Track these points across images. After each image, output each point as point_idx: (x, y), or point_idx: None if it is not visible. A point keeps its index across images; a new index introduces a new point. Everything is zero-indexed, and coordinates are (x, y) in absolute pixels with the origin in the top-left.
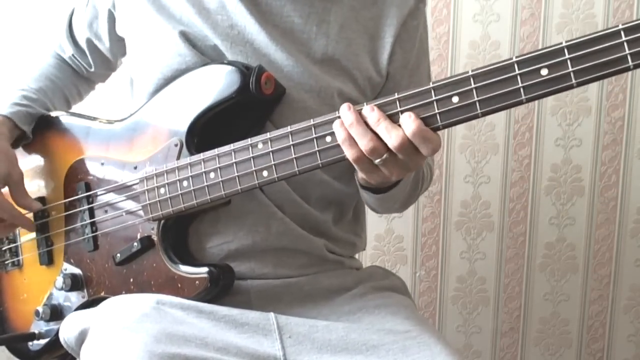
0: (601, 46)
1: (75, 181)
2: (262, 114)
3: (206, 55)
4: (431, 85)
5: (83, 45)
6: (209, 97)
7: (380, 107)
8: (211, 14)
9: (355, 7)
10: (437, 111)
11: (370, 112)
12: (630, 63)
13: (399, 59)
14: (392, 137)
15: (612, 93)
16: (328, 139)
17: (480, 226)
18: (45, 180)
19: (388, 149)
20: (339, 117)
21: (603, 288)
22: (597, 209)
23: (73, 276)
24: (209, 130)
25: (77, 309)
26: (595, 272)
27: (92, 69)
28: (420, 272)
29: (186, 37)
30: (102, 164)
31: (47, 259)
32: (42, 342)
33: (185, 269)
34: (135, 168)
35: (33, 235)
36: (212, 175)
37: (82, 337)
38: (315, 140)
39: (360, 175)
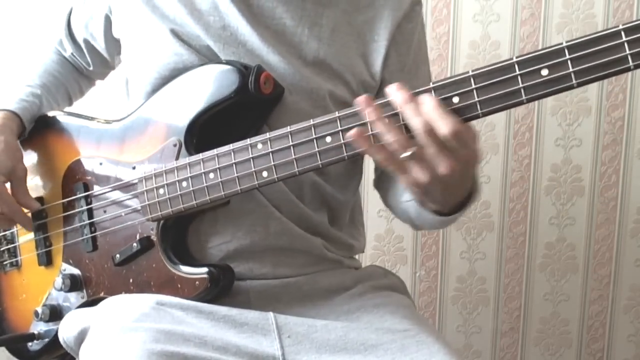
0: (602, 46)
1: (73, 181)
2: (261, 114)
3: (201, 54)
4: (431, 85)
5: (81, 44)
6: (208, 97)
7: (381, 106)
8: (203, 15)
9: (348, 10)
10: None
11: (397, 89)
12: (631, 63)
13: (394, 63)
14: (423, 114)
15: (612, 93)
16: (328, 139)
17: (480, 226)
18: (43, 181)
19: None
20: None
21: (603, 288)
22: (597, 209)
23: (72, 277)
24: (207, 130)
25: (76, 310)
26: (595, 272)
27: (91, 68)
28: (420, 272)
29: (178, 35)
30: (101, 164)
31: (46, 260)
32: (42, 342)
33: (185, 270)
34: (134, 168)
35: (31, 235)
36: (211, 175)
37: (81, 337)
38: (315, 140)
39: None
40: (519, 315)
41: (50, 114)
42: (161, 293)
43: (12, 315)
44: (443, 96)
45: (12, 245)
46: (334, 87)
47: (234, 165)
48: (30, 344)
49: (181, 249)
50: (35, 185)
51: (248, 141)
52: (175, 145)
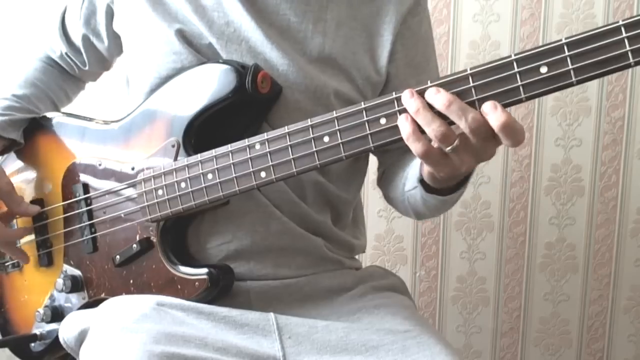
0: (601, 43)
1: (73, 182)
2: (259, 113)
3: (201, 53)
4: (429, 84)
5: (78, 43)
6: (206, 97)
7: (379, 106)
8: (207, 11)
9: (353, 4)
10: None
11: (436, 94)
12: (631, 60)
13: (401, 57)
14: (468, 119)
15: (612, 93)
16: (326, 139)
17: (480, 226)
18: (43, 182)
19: (458, 134)
20: (337, 117)
21: (603, 288)
22: (597, 209)
23: (73, 278)
24: (205, 130)
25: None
26: (595, 272)
27: (86, 67)
28: (420, 272)
29: (182, 35)
30: (100, 165)
31: (47, 261)
32: (44, 343)
33: (185, 270)
34: (133, 169)
35: (32, 237)
36: (210, 176)
37: (81, 337)
38: (312, 140)
39: (427, 170)
40: (519, 315)
41: (49, 115)
42: (161, 294)
43: (14, 316)
44: None
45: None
46: (339, 85)
47: (232, 165)
48: (32, 344)
49: (181, 249)
50: (34, 187)
51: (246, 142)
52: (173, 146)
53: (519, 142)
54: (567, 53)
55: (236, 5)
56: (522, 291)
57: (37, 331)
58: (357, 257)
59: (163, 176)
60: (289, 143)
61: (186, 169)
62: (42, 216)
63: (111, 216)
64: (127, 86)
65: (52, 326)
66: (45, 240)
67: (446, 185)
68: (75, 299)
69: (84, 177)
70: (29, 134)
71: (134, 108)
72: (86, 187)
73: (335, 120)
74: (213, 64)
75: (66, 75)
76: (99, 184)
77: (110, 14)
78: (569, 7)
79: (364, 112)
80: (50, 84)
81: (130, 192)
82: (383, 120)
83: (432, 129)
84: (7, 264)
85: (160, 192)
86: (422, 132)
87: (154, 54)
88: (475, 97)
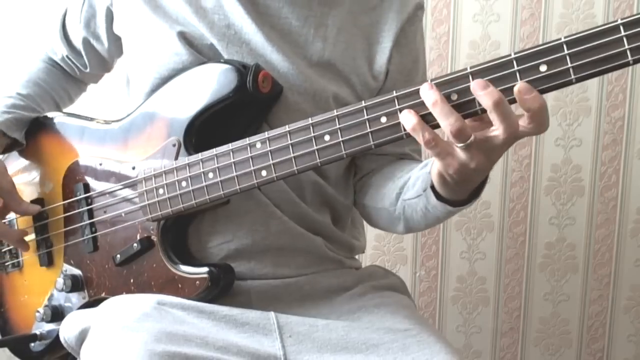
0: (600, 41)
1: (73, 182)
2: (259, 113)
3: (203, 54)
4: (430, 82)
5: (79, 45)
6: (207, 97)
7: (379, 104)
8: (208, 14)
9: (354, 12)
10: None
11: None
12: (630, 58)
13: (395, 63)
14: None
15: (612, 93)
16: (326, 137)
17: (480, 226)
18: (43, 182)
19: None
20: (338, 115)
21: (603, 288)
22: (597, 209)
23: (73, 277)
24: (206, 129)
25: (77, 310)
26: (595, 272)
27: (87, 70)
28: (420, 272)
29: (183, 36)
30: (100, 164)
31: (47, 260)
32: (44, 342)
33: (186, 269)
34: (134, 168)
35: (33, 236)
36: (210, 175)
37: (82, 337)
38: (313, 139)
39: (437, 175)
40: (519, 315)
41: (50, 115)
42: (162, 293)
43: (14, 315)
44: (442, 92)
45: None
46: (338, 89)
47: (232, 164)
48: (32, 344)
49: (182, 248)
50: (35, 186)
51: (247, 140)
52: (174, 145)
53: (543, 131)
54: (566, 51)
55: (237, 7)
56: (522, 291)
57: (37, 331)
58: (357, 257)
59: (164, 175)
60: (289, 142)
61: (187, 167)
62: (42, 215)
63: (112, 215)
64: (127, 86)
65: (52, 326)
66: (45, 239)
67: (456, 196)
68: (75, 298)
69: (84, 177)
70: (30, 133)
71: (135, 108)
72: (87, 187)
73: (336, 119)
74: (214, 64)
75: (68, 77)
76: (99, 183)
77: (110, 17)
78: (569, 7)
79: (364, 110)
80: (53, 85)
81: (131, 191)
82: (383, 119)
83: (449, 122)
84: (7, 263)
85: (161, 191)
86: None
87: (155, 54)
88: (475, 96)
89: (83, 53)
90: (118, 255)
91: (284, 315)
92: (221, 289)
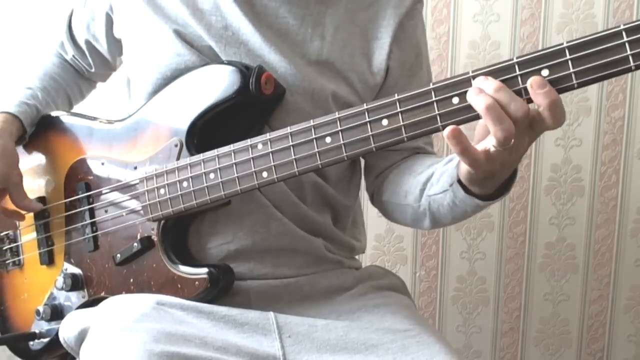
0: (602, 47)
1: (75, 181)
2: (261, 114)
3: (203, 54)
4: (431, 86)
5: (82, 46)
6: (209, 98)
7: (381, 107)
8: (205, 15)
9: (351, 9)
10: (437, 112)
11: (485, 80)
12: (632, 64)
13: (396, 58)
14: (516, 106)
15: (612, 93)
16: (328, 139)
17: (480, 226)
18: (45, 180)
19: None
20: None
21: (603, 288)
22: (597, 209)
23: (73, 276)
24: (208, 130)
25: (77, 309)
26: (595, 272)
27: (93, 70)
28: (420, 272)
29: (181, 36)
30: (102, 164)
31: (48, 259)
32: (43, 341)
33: (185, 270)
34: (136, 168)
35: (34, 235)
36: (212, 176)
37: (81, 337)
38: (315, 141)
39: (465, 171)
40: (519, 315)
41: (53, 114)
42: (161, 293)
43: (14, 314)
44: (443, 96)
45: (15, 244)
46: (337, 87)
47: (234, 165)
48: (31, 343)
49: (182, 249)
50: (37, 184)
51: (248, 142)
52: (176, 146)
53: (560, 124)
54: (568, 56)
55: (234, 9)
56: (522, 291)
57: (36, 329)
58: (357, 257)
59: (165, 175)
60: (291, 143)
61: (188, 168)
62: (43, 214)
63: (112, 215)
64: (128, 87)
65: (52, 325)
66: (46, 238)
67: (484, 191)
68: (75, 297)
69: (86, 176)
70: (33, 131)
71: (138, 108)
72: (88, 186)
73: (338, 121)
74: (217, 65)
75: (79, 74)
76: (101, 183)
77: (109, 21)
78: (569, 7)
79: (366, 113)
80: (67, 80)
81: (132, 191)
82: (385, 122)
83: (517, 107)
84: (7, 261)
85: (162, 191)
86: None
87: (157, 55)
88: None
89: (87, 54)
90: (118, 255)
91: (283, 316)
92: (220, 289)
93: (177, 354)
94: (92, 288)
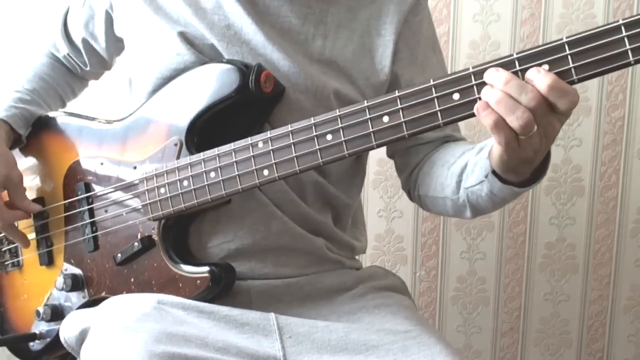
0: (602, 41)
1: (74, 181)
2: (261, 113)
3: (204, 54)
4: (432, 82)
5: (79, 44)
6: (209, 96)
7: (382, 104)
8: (208, 14)
9: (353, 7)
10: (437, 108)
11: (495, 72)
12: (631, 58)
13: (406, 57)
14: (527, 96)
15: (612, 93)
16: (329, 137)
17: (480, 226)
18: (44, 181)
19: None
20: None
21: (603, 288)
22: (597, 209)
23: (73, 276)
24: (208, 129)
25: (77, 309)
26: (595, 272)
27: (87, 68)
28: (420, 272)
29: (184, 37)
30: (102, 164)
31: (47, 260)
32: (43, 342)
33: (186, 269)
34: (135, 168)
35: (33, 235)
36: (212, 174)
37: (82, 337)
38: (316, 138)
39: (497, 160)
40: (519, 315)
41: (51, 114)
42: (162, 292)
43: (14, 315)
44: (443, 92)
45: (14, 245)
46: (340, 86)
47: (234, 164)
48: (31, 343)
49: (182, 248)
50: (36, 185)
51: (249, 140)
52: (176, 145)
53: (573, 102)
54: (568, 51)
55: (236, 7)
56: (522, 291)
57: (36, 330)
58: (357, 257)
59: (165, 174)
60: (292, 141)
61: (189, 167)
62: (43, 214)
63: (112, 214)
64: (129, 87)
65: (52, 325)
66: (45, 238)
67: (516, 177)
68: (75, 297)
69: (86, 176)
70: (32, 132)
71: (137, 108)
72: (88, 186)
73: (338, 119)
74: (216, 64)
75: (71, 73)
76: (100, 183)
77: (109, 19)
78: (569, 7)
79: (366, 110)
80: (58, 80)
81: (132, 190)
82: (386, 118)
83: (528, 98)
84: (6, 262)
85: (162, 190)
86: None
87: (156, 54)
88: (477, 96)
89: (83, 52)
90: (119, 255)
91: (284, 316)
92: (222, 288)
93: (177, 354)
94: (92, 288)
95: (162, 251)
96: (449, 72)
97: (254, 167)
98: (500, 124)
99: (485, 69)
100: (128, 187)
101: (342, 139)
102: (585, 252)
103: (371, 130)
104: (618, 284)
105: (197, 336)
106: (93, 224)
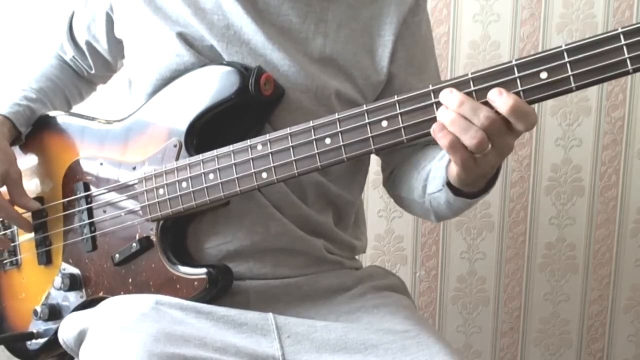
0: (600, 50)
1: (73, 181)
2: (261, 115)
3: (204, 55)
4: (431, 87)
5: (83, 47)
6: (208, 98)
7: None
8: (207, 14)
9: (354, 6)
10: (436, 114)
11: (449, 94)
12: (630, 67)
13: (402, 57)
14: (481, 118)
15: (612, 93)
16: (327, 140)
17: (480, 226)
18: (43, 180)
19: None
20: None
21: (603, 288)
22: (597, 209)
23: (71, 276)
24: (207, 131)
25: (75, 309)
26: (595, 272)
27: (93, 71)
28: (420, 272)
29: (184, 38)
30: (101, 164)
31: (46, 259)
32: (41, 341)
33: (184, 270)
34: (134, 168)
35: (31, 234)
36: (211, 176)
37: (81, 338)
38: (314, 142)
39: (454, 173)
40: (519, 315)
41: (52, 114)
42: (160, 293)
43: (11, 314)
44: None
45: (12, 244)
46: (340, 85)
47: (233, 166)
48: (29, 342)
49: (180, 249)
50: (35, 184)
51: (248, 142)
52: (175, 146)
53: (531, 124)
54: (566, 59)
55: (236, 7)
56: (522, 291)
57: (33, 329)
58: (357, 257)
59: (164, 175)
60: (290, 144)
61: (188, 168)
62: (41, 214)
63: (111, 215)
64: (130, 88)
65: (49, 324)
66: (44, 238)
67: (472, 189)
68: (73, 297)
69: (85, 176)
70: (32, 131)
71: (137, 108)
72: (87, 186)
73: (337, 122)
74: (216, 66)
75: (78, 75)
76: (99, 183)
77: (109, 21)
78: (569, 7)
79: (365, 114)
80: (65, 81)
81: (131, 191)
82: (385, 123)
83: (480, 118)
84: (5, 261)
85: (161, 191)
86: None
87: (156, 56)
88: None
89: (87, 55)
90: (117, 255)
91: (282, 316)
92: (219, 289)
93: (176, 354)
94: (90, 288)
95: (160, 252)
96: (449, 73)
97: (252, 170)
98: (456, 145)
99: (485, 75)
100: (127, 188)
101: (341, 143)
102: (585, 252)
103: (370, 134)
104: (618, 284)
105: (195, 336)
106: (91, 224)
